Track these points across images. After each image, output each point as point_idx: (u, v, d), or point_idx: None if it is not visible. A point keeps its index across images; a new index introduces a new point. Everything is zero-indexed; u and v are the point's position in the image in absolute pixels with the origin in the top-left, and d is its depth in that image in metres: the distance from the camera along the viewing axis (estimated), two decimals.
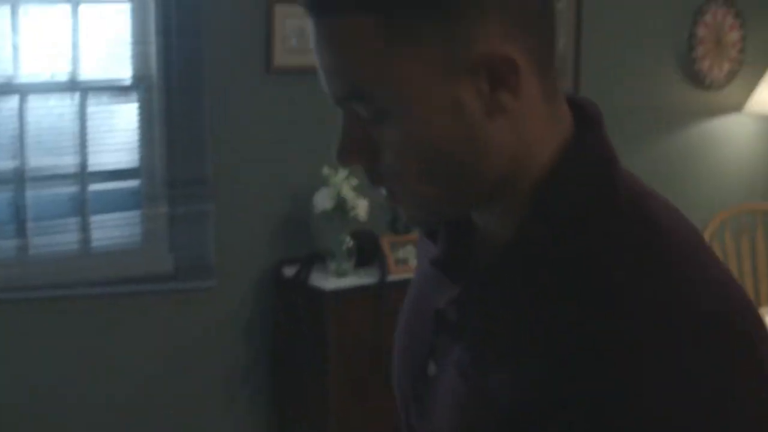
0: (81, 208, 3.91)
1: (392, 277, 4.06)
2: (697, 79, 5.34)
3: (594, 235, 1.00)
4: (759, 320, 0.99)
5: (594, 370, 0.94)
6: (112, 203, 4.03)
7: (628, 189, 1.04)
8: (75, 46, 3.81)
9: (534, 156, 1.03)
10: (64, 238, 3.89)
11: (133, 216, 4.05)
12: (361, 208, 4.09)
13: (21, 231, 3.81)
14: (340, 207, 4.06)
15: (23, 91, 3.77)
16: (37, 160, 3.82)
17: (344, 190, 4.05)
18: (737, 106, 5.48)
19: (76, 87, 3.85)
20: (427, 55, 0.98)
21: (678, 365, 0.92)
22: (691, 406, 0.91)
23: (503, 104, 1.00)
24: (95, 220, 3.95)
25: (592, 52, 4.94)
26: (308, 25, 1.04)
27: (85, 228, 3.92)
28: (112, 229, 4.00)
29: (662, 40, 5.20)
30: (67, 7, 3.80)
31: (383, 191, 1.07)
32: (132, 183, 4.05)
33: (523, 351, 1.00)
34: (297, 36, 4.16)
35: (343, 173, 4.06)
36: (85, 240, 3.92)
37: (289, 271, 4.16)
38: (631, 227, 1.00)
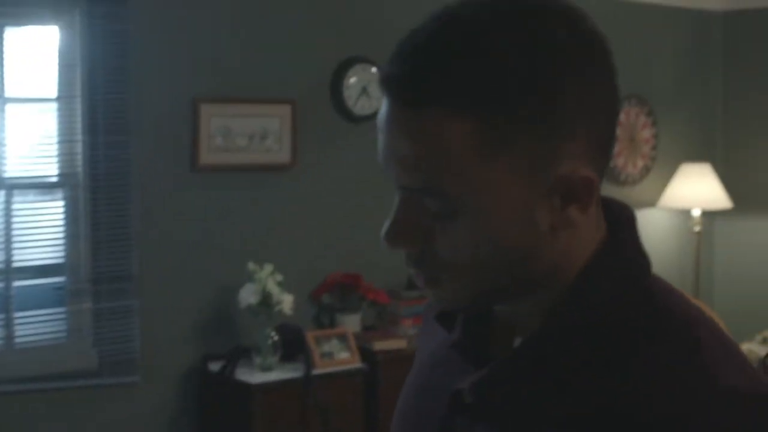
0: (6, 304, 3.90)
1: (317, 370, 4.07)
2: (612, 175, 5.51)
3: (625, 318, 1.03)
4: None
5: None
6: (37, 299, 4.03)
7: (659, 287, 1.08)
8: (1, 143, 3.85)
9: (577, 256, 1.05)
10: None
11: (57, 312, 4.05)
12: (286, 303, 4.14)
13: None
14: (266, 302, 4.10)
15: None
16: None
17: (269, 286, 4.09)
18: (651, 201, 5.66)
19: (1, 184, 3.87)
20: (515, 167, 0.98)
21: None
22: None
23: (572, 220, 1.01)
24: (20, 316, 3.95)
25: None
26: (383, 106, 1.01)
27: (9, 324, 3.91)
28: (36, 326, 3.99)
29: None
30: None
31: (421, 275, 1.06)
32: (57, 279, 4.07)
33: (558, 428, 1.02)
34: (222, 135, 4.24)
35: (268, 269, 4.11)
36: (10, 336, 3.91)
37: (214, 366, 4.17)
38: (661, 314, 1.04)
